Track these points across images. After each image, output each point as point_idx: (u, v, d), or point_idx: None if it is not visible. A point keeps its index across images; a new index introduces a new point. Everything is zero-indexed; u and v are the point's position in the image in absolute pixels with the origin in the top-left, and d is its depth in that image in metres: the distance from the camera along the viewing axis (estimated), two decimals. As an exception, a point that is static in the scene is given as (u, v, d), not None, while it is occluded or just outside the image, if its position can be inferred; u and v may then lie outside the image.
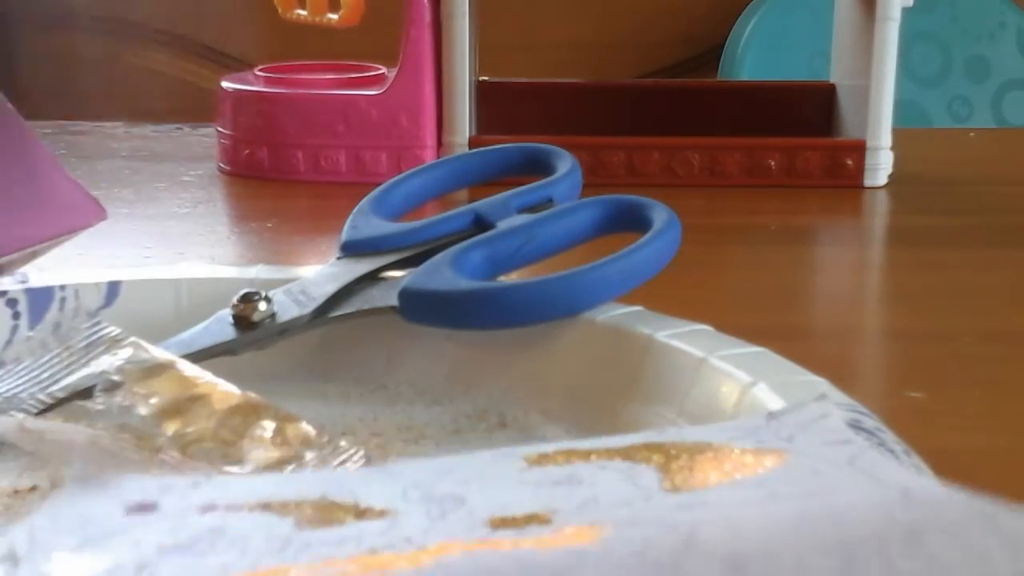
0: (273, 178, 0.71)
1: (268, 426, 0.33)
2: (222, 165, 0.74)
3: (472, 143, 0.70)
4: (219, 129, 0.74)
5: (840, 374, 0.35)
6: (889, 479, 0.25)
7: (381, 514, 0.26)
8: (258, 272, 0.42)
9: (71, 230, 0.45)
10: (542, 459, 0.28)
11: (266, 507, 0.27)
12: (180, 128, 0.85)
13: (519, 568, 0.22)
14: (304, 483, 0.28)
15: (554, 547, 0.23)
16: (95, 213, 0.46)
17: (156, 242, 0.59)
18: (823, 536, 0.22)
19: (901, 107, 0.72)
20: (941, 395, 0.42)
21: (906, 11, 0.69)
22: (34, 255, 0.44)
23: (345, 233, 0.42)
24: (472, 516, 0.25)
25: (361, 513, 0.26)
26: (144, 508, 0.28)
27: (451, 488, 0.27)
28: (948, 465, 0.29)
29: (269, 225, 0.63)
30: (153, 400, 0.34)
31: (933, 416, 0.40)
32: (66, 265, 0.44)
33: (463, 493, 0.27)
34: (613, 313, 0.39)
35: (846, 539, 0.22)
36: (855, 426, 0.30)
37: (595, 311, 0.39)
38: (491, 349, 0.39)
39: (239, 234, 0.63)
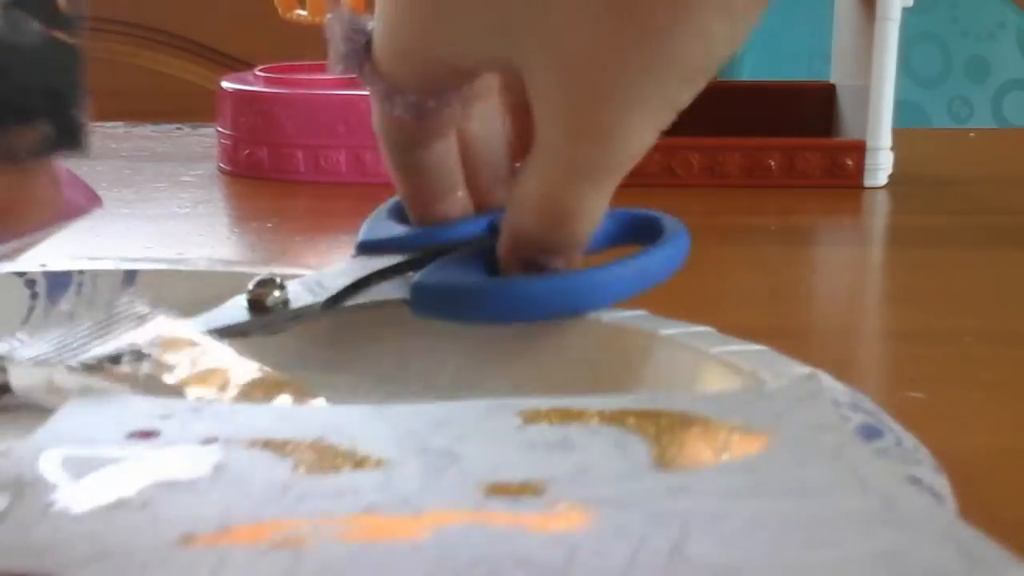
0: (273, 178, 0.71)
1: (287, 399, 0.34)
2: (222, 165, 0.74)
3: (472, 143, 0.70)
4: (219, 129, 0.74)
5: (840, 374, 0.35)
6: (872, 481, 0.25)
7: (378, 464, 0.26)
8: (272, 270, 0.43)
9: (68, 219, 0.45)
10: (536, 416, 0.29)
11: (266, 444, 0.27)
12: (180, 128, 0.85)
13: (514, 560, 0.22)
14: (303, 420, 0.29)
15: (545, 533, 0.23)
16: (91, 202, 0.46)
17: (156, 242, 0.59)
18: (807, 560, 0.22)
19: (901, 107, 0.72)
20: (941, 395, 0.42)
21: (906, 11, 0.69)
22: (29, 244, 0.44)
23: (362, 233, 0.42)
24: (467, 478, 0.26)
25: (359, 462, 0.26)
26: (146, 435, 0.28)
27: (446, 442, 0.27)
28: (947, 465, 0.29)
29: (269, 225, 0.63)
30: (177, 371, 0.35)
31: (933, 416, 0.40)
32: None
33: (458, 450, 0.27)
34: (617, 315, 0.39)
35: (824, 562, 0.22)
36: (855, 406, 0.30)
37: (599, 313, 0.39)
38: (497, 347, 0.40)
39: (239, 234, 0.63)
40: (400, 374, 0.40)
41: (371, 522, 0.24)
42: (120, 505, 0.24)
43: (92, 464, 0.26)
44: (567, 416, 0.29)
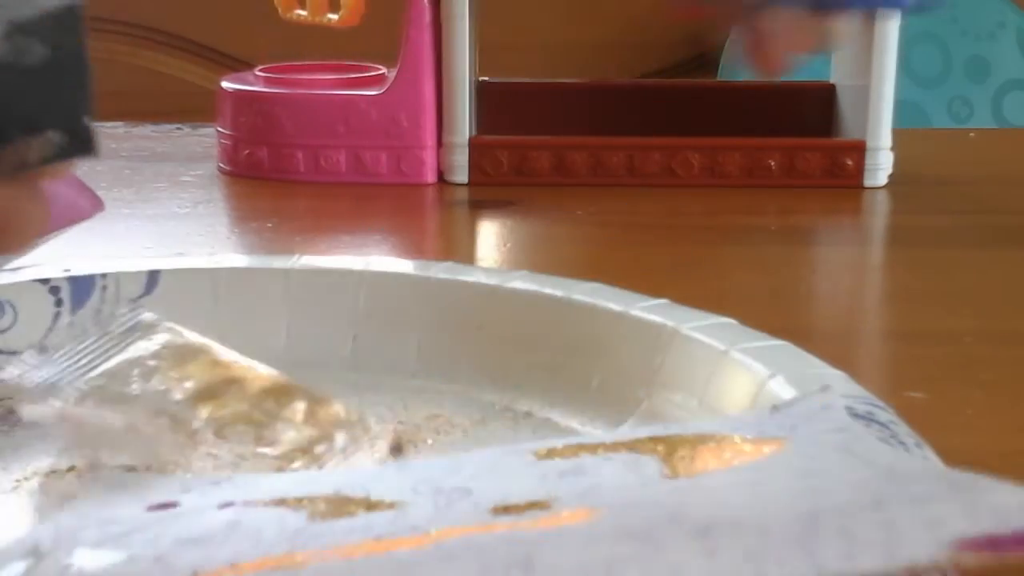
0: (273, 178, 0.71)
1: (300, 407, 0.34)
2: (222, 165, 0.74)
3: (472, 143, 0.70)
4: (219, 129, 0.74)
5: (840, 374, 0.35)
6: (876, 458, 0.26)
7: (391, 506, 0.26)
8: (295, 262, 0.43)
9: (70, 223, 0.45)
10: (551, 453, 0.29)
11: (281, 502, 0.27)
12: (180, 128, 0.85)
13: (506, 541, 0.22)
14: (319, 481, 0.29)
15: (547, 527, 0.24)
16: (94, 206, 0.46)
17: (156, 242, 0.59)
18: (792, 505, 0.23)
19: (901, 107, 0.72)
20: (941, 395, 0.42)
21: (906, 11, 0.69)
22: (31, 248, 0.44)
23: None
24: (477, 506, 0.26)
25: (372, 506, 0.27)
26: (165, 507, 0.28)
27: (460, 482, 0.27)
28: (948, 465, 0.29)
29: (269, 225, 0.63)
30: (188, 384, 0.35)
31: (933, 416, 0.40)
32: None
33: (471, 485, 0.27)
34: (639, 305, 0.39)
35: (813, 508, 0.22)
36: (868, 418, 0.30)
37: (622, 306, 0.39)
38: (518, 341, 0.40)
39: (239, 234, 0.63)
40: (422, 370, 0.41)
41: (376, 544, 0.24)
42: (132, 560, 0.25)
43: (110, 533, 0.26)
44: (581, 450, 0.29)
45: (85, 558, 0.25)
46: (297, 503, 0.27)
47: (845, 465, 0.26)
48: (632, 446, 0.29)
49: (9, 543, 0.27)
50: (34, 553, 0.25)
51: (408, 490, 0.27)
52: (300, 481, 0.30)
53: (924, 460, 0.28)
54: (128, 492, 0.30)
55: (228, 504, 0.28)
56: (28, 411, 0.35)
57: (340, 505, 0.27)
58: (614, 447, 0.29)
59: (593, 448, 0.29)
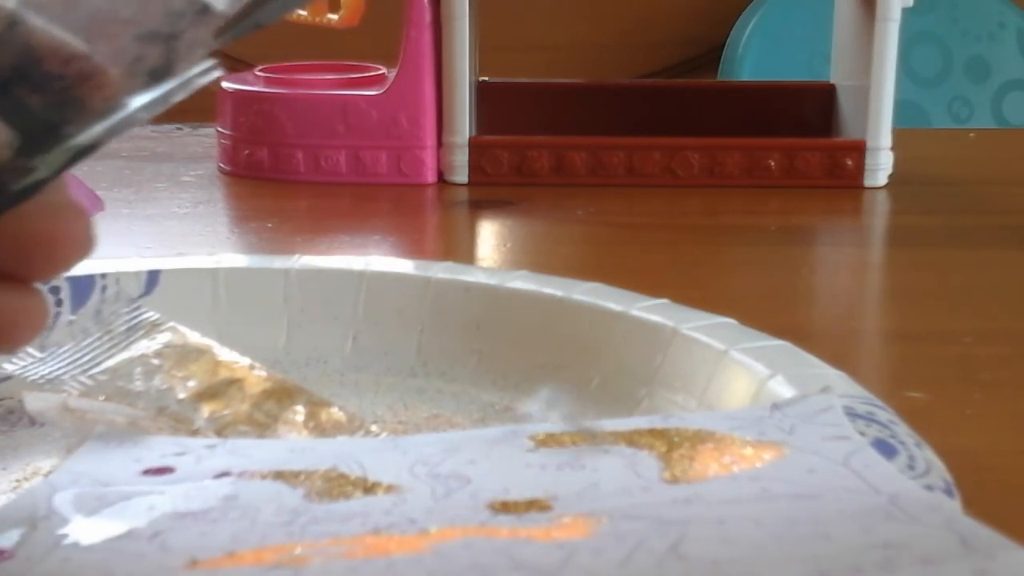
0: (273, 178, 0.71)
1: (300, 410, 0.34)
2: (222, 165, 0.74)
3: (472, 143, 0.70)
4: (219, 129, 0.74)
5: (840, 374, 0.35)
6: (879, 483, 0.26)
7: (388, 490, 0.26)
8: (295, 262, 0.43)
9: None
10: (549, 440, 0.29)
11: (278, 476, 0.27)
12: (180, 128, 0.85)
13: (510, 564, 0.22)
14: (316, 453, 0.29)
15: (546, 541, 0.23)
16: (94, 205, 0.46)
17: (156, 242, 0.59)
18: (801, 553, 0.22)
19: (901, 107, 0.72)
20: (941, 395, 0.42)
21: (906, 11, 0.69)
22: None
23: None
24: (475, 498, 0.26)
25: (369, 488, 0.27)
26: (161, 471, 0.28)
27: (457, 467, 0.27)
28: (948, 465, 0.29)
29: (269, 225, 0.63)
30: (190, 383, 0.35)
31: (933, 416, 0.40)
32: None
33: (469, 473, 0.27)
34: (639, 305, 0.39)
35: (823, 561, 0.22)
36: (868, 418, 0.30)
37: (624, 306, 0.39)
38: (518, 341, 0.40)
39: (239, 234, 0.63)
40: (422, 370, 0.41)
41: (375, 541, 0.24)
42: (129, 536, 0.25)
43: (105, 501, 0.26)
44: (579, 438, 0.29)
45: (80, 529, 0.25)
46: (294, 477, 0.27)
47: (846, 486, 0.26)
48: (630, 439, 0.29)
49: (3, 507, 0.26)
50: (29, 521, 0.25)
51: (405, 472, 0.27)
52: (297, 450, 0.30)
53: (927, 489, 0.27)
54: (122, 446, 0.30)
55: (224, 474, 0.28)
56: (31, 400, 0.35)
57: (337, 484, 0.27)
58: (612, 436, 0.29)
59: (591, 436, 0.29)
